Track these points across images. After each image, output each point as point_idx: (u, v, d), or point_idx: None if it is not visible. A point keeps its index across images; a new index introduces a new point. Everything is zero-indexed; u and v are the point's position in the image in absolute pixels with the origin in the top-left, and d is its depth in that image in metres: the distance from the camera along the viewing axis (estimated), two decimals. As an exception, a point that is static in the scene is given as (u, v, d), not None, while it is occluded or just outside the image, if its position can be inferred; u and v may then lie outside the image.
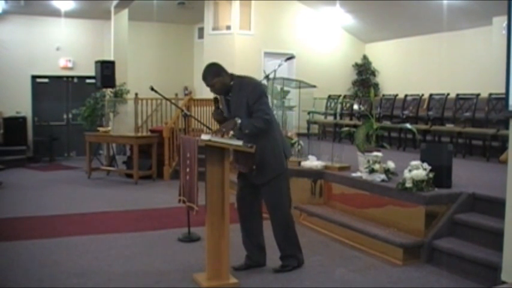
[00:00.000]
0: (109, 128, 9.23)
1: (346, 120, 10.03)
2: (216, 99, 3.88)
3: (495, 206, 4.09)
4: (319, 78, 9.32)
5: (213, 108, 3.88)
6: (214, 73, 3.73)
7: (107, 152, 9.54)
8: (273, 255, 4.04)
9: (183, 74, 12.92)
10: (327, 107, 10.66)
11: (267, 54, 10.98)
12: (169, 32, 12.75)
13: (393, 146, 8.12)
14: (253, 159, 3.64)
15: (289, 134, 6.63)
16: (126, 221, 5.69)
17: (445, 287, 3.73)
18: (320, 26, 11.74)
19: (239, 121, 3.64)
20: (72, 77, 11.91)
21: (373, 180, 4.92)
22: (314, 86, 6.65)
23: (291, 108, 7.68)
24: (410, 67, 10.98)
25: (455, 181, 4.72)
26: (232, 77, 3.79)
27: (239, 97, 3.74)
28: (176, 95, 10.36)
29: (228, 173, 3.58)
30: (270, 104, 4.62)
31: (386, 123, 8.53)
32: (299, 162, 6.03)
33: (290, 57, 7.11)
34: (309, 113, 7.90)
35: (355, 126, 7.04)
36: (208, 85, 3.76)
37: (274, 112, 4.96)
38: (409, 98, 9.00)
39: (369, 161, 5.04)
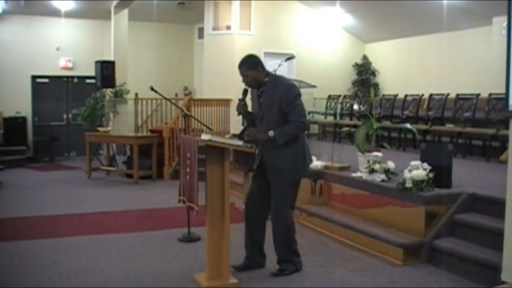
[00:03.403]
0: (109, 128, 9.23)
1: (346, 120, 10.02)
2: (245, 91, 3.81)
3: (495, 206, 4.09)
4: (319, 78, 9.32)
5: (239, 99, 3.79)
6: (251, 64, 3.74)
7: (107, 152, 9.54)
8: (273, 256, 4.04)
9: (183, 74, 12.93)
10: (327, 107, 10.65)
11: (267, 54, 10.96)
12: (169, 32, 12.76)
13: (393, 146, 8.11)
14: (254, 159, 3.63)
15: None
16: (126, 221, 5.69)
17: (445, 287, 3.73)
18: (320, 26, 11.74)
19: (272, 133, 3.62)
20: (72, 77, 11.92)
21: (373, 180, 4.92)
22: (314, 86, 6.66)
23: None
24: (410, 67, 10.98)
25: (455, 181, 4.72)
26: (267, 74, 3.80)
27: (272, 95, 3.73)
28: (176, 95, 10.36)
29: (228, 173, 3.58)
30: None
31: (387, 123, 8.51)
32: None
33: (290, 57, 7.09)
34: (309, 113, 7.90)
35: (355, 126, 7.04)
36: (241, 74, 3.76)
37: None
38: (409, 98, 8.99)
39: (369, 161, 5.04)
